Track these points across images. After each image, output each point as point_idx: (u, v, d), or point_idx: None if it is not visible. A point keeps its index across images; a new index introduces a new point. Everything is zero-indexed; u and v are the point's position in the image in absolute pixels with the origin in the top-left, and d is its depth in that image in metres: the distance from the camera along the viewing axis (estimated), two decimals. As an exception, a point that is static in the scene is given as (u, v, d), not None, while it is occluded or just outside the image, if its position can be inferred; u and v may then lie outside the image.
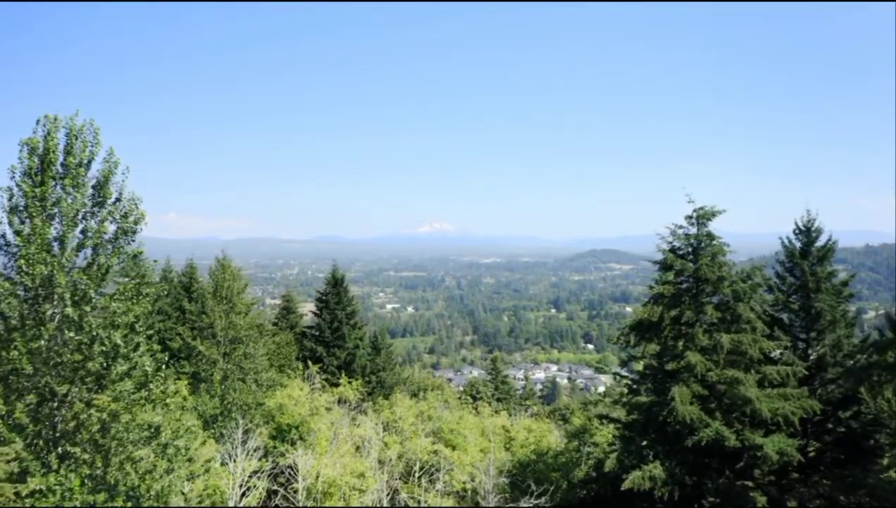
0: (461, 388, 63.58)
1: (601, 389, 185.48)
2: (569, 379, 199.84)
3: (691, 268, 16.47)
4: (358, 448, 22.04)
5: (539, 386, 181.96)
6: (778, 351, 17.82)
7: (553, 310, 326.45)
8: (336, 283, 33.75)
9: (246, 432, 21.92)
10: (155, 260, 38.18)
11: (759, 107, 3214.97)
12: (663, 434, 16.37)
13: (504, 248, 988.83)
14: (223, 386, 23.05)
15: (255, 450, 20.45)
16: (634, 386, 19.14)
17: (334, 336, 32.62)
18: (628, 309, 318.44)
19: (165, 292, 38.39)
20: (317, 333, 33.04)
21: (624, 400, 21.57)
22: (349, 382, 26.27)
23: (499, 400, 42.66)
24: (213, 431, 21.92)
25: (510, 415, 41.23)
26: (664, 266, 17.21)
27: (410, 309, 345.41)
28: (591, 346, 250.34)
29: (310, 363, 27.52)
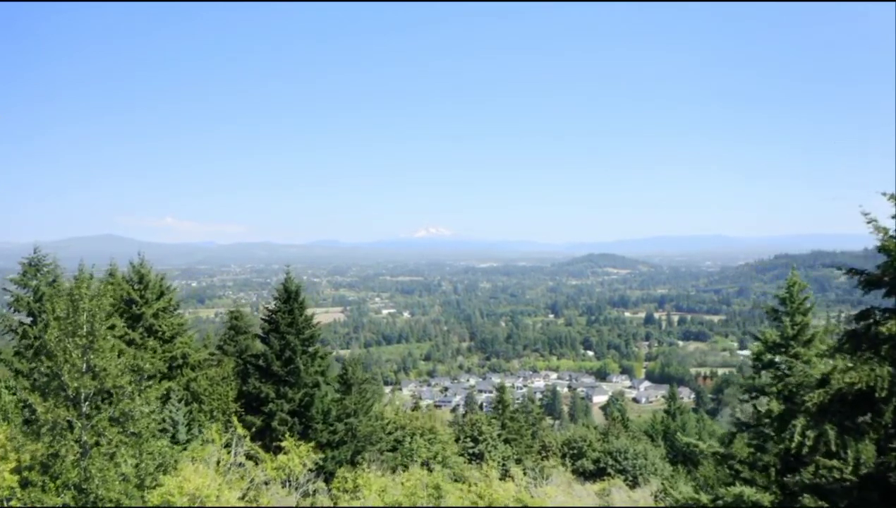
0: (459, 418, 54.57)
1: (603, 398, 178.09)
2: (569, 387, 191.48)
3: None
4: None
5: (539, 395, 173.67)
6: None
7: (551, 316, 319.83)
8: (289, 298, 24.73)
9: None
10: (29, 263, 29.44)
11: (756, 110, 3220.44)
12: None
13: (501, 253, 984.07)
14: (79, 470, 14.28)
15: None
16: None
17: (286, 369, 23.61)
18: (627, 314, 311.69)
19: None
20: (263, 365, 24.13)
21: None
22: (297, 445, 17.53)
23: (507, 441, 34.01)
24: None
25: (521, 462, 32.53)
26: (877, 279, 8.59)
27: (406, 315, 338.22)
28: (590, 353, 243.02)
29: (234, 419, 18.76)
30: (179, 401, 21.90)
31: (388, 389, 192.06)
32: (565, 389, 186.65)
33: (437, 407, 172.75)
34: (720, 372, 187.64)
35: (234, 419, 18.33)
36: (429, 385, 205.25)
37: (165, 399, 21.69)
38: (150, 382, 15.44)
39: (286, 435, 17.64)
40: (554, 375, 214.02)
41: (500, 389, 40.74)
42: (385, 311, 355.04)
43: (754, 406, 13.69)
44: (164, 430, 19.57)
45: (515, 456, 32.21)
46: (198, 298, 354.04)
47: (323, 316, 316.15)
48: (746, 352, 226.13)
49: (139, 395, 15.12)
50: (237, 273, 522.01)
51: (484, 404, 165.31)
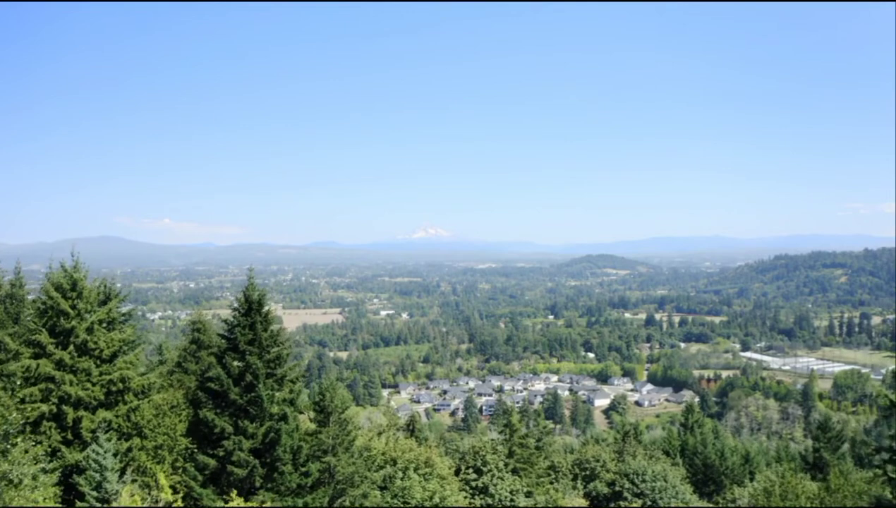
0: (459, 422, 50.12)
1: (605, 402, 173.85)
2: (570, 390, 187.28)
3: None
4: None
5: (539, 399, 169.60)
6: None
7: (551, 317, 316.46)
8: (250, 309, 19.95)
9: None
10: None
11: (754, 112, 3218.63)
12: None
13: (499, 254, 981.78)
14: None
15: None
16: None
17: (246, 398, 19.26)
18: (627, 315, 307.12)
19: None
20: (219, 389, 20.10)
21: None
22: (244, 501, 13.20)
23: (514, 471, 29.63)
24: None
25: (531, 495, 28.24)
26: None
27: (405, 316, 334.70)
28: (591, 355, 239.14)
29: (161, 477, 14.29)
30: (112, 439, 17.52)
31: (386, 392, 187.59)
32: (566, 392, 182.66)
33: (436, 410, 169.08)
34: (723, 374, 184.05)
35: (161, 476, 13.90)
36: (427, 388, 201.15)
37: (94, 436, 17.36)
38: (20, 438, 11.13)
39: (234, 493, 13.32)
40: (554, 378, 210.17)
41: (507, 412, 36.25)
42: (383, 313, 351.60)
43: (883, 470, 9.49)
44: (88, 479, 15.23)
45: (525, 489, 27.94)
46: (195, 299, 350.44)
47: (321, 317, 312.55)
48: (748, 354, 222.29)
49: (11, 452, 10.79)
50: (235, 274, 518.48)
51: (483, 407, 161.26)
